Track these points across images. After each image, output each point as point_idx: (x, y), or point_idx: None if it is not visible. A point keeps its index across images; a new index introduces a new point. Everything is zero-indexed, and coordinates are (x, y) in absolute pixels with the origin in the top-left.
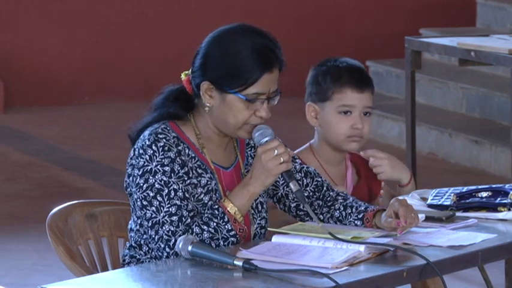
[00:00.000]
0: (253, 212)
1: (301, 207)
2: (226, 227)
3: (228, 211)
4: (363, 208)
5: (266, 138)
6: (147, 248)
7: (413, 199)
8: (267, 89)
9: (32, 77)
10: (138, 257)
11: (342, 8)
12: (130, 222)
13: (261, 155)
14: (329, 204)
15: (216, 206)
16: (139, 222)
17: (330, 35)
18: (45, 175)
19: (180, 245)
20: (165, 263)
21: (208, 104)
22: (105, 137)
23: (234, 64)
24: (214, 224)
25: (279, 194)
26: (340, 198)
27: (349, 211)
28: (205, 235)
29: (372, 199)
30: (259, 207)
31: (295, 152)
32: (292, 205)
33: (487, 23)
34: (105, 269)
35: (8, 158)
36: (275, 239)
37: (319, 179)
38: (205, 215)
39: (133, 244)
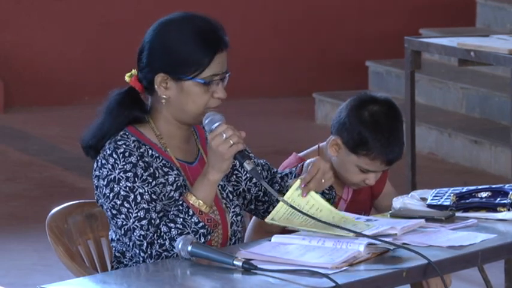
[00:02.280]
0: (225, 201)
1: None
2: (193, 220)
3: (191, 204)
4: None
5: (215, 124)
6: (130, 255)
7: (412, 199)
8: (221, 69)
9: (32, 77)
10: (125, 262)
11: (342, 8)
12: (110, 232)
13: (211, 142)
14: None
15: (181, 202)
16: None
17: (330, 35)
18: (45, 175)
19: (180, 245)
20: (165, 263)
21: (164, 96)
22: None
23: (185, 51)
24: (181, 219)
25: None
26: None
27: (286, 178)
28: (173, 232)
29: (374, 198)
30: (230, 196)
31: (303, 153)
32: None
33: (487, 23)
34: (104, 269)
35: (8, 158)
36: (275, 239)
37: (267, 165)
38: (171, 213)
39: (116, 254)
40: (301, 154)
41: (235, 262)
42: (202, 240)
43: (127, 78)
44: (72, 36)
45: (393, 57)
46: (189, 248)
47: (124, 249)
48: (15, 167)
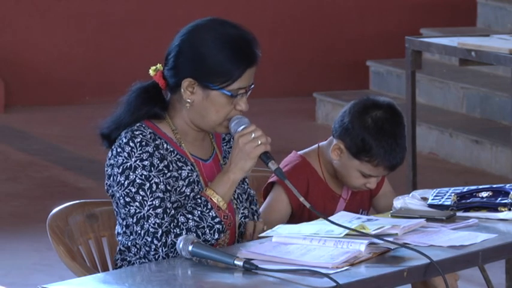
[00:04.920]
0: (235, 202)
1: None
2: (210, 214)
3: (210, 199)
4: None
5: (243, 126)
6: (135, 250)
7: (413, 199)
8: (248, 83)
9: (32, 77)
10: (128, 259)
11: (342, 8)
12: (116, 226)
13: (238, 140)
14: None
15: (199, 196)
16: (124, 224)
17: (330, 35)
18: (46, 175)
19: (181, 245)
20: (165, 263)
21: (189, 100)
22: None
23: (217, 60)
24: (199, 212)
25: None
26: None
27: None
28: (191, 223)
29: (372, 196)
30: (241, 198)
31: (302, 152)
32: None
33: (488, 23)
34: (105, 269)
35: (9, 158)
36: (275, 239)
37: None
38: (189, 205)
39: (121, 248)
40: (301, 152)
41: (236, 262)
42: (216, 236)
43: (151, 72)
44: (72, 36)
45: (394, 57)
46: (190, 247)
47: (129, 243)
48: (16, 167)
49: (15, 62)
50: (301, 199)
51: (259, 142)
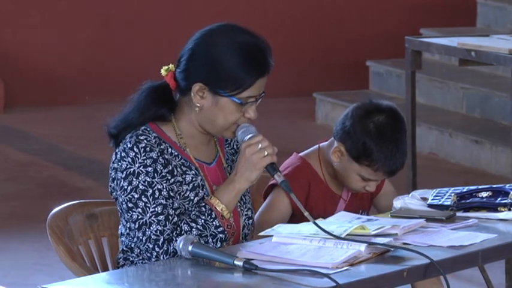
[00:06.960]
0: (239, 204)
1: None
2: (214, 223)
3: (215, 207)
4: None
5: (250, 135)
6: (138, 250)
7: (413, 199)
8: (259, 91)
9: (32, 77)
10: (131, 259)
11: (342, 8)
12: (120, 227)
13: (245, 150)
14: None
15: (203, 204)
16: (128, 225)
17: (330, 35)
18: (45, 175)
19: (181, 245)
20: (165, 263)
21: (198, 105)
22: (105, 136)
23: (229, 67)
24: (202, 221)
25: None
26: None
27: None
28: (194, 232)
29: (373, 196)
30: (244, 199)
31: (303, 153)
32: None
33: (488, 23)
34: (105, 269)
35: (9, 158)
36: (275, 238)
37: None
38: (193, 213)
39: (124, 248)
40: (301, 154)
41: (236, 262)
42: (218, 245)
43: (163, 72)
44: (72, 36)
45: (394, 57)
46: (190, 247)
47: (132, 244)
48: (16, 167)
49: (15, 62)
50: (306, 214)
51: (266, 153)
